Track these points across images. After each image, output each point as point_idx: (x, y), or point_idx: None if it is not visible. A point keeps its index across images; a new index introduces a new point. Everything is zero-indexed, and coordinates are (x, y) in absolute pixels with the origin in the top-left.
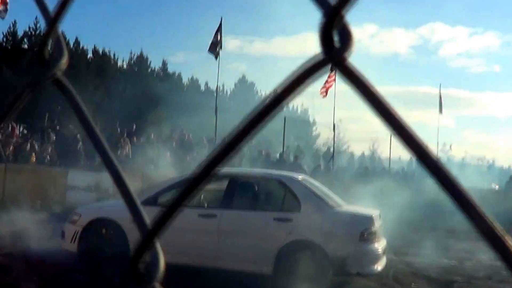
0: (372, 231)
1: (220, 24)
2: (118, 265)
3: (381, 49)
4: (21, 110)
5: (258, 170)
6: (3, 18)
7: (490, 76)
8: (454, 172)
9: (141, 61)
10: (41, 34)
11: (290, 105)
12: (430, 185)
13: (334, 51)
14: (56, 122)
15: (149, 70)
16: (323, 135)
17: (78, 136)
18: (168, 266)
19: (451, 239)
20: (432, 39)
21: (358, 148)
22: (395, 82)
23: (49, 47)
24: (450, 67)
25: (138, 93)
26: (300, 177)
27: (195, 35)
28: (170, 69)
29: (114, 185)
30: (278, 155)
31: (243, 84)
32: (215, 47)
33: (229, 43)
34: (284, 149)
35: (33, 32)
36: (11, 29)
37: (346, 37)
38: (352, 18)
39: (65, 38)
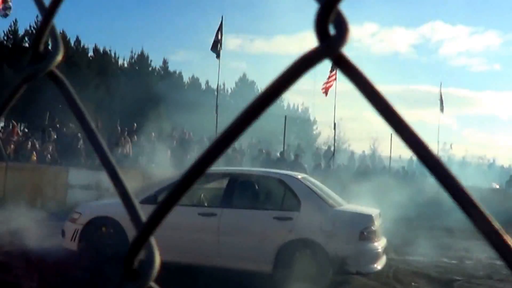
0: (372, 230)
1: (221, 23)
2: (118, 263)
3: (382, 48)
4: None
5: (258, 169)
6: (4, 16)
7: (490, 75)
8: (455, 171)
9: (142, 59)
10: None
11: (291, 104)
12: (431, 184)
13: (330, 42)
14: (56, 121)
15: (150, 68)
16: (323, 134)
17: (79, 134)
18: (168, 264)
19: (451, 238)
20: (433, 38)
21: (359, 147)
22: (395, 81)
23: (44, 42)
24: (450, 66)
25: (139, 92)
26: (300, 176)
27: (196, 34)
28: (171, 68)
29: (109, 181)
30: (278, 154)
31: (244, 83)
32: (216, 46)
33: (230, 42)
34: (285, 148)
35: (34, 31)
36: (12, 28)
37: (341, 29)
38: (353, 17)
39: (66, 36)
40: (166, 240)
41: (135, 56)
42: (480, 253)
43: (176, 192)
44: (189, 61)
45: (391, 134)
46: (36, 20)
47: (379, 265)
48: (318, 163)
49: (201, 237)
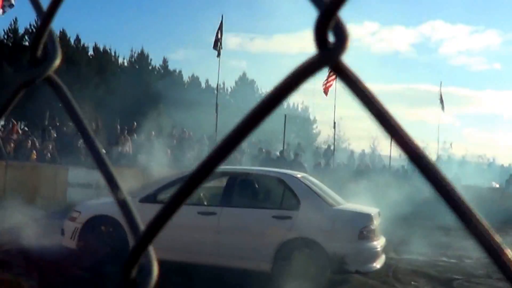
0: (371, 229)
1: (221, 22)
2: (117, 261)
3: (382, 47)
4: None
5: (258, 168)
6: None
7: (490, 74)
8: (454, 169)
9: (141, 58)
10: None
11: (291, 103)
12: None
13: (329, 50)
14: (56, 120)
15: (150, 67)
16: (323, 133)
17: (79, 133)
18: (167, 263)
19: (450, 237)
20: (433, 37)
21: (359, 145)
22: (395, 80)
23: (42, 46)
24: (450, 65)
25: (139, 91)
26: (299, 175)
27: (196, 32)
28: (171, 67)
29: (107, 185)
30: (278, 153)
31: (244, 82)
32: (216, 45)
33: (230, 41)
34: (285, 147)
35: (34, 30)
36: (12, 26)
37: (341, 36)
38: (353, 15)
39: (66, 35)
40: (165, 239)
41: (135, 55)
42: (480, 252)
43: (176, 198)
44: (189, 60)
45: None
46: (36, 19)
47: (378, 264)
48: (318, 162)
49: (201, 236)
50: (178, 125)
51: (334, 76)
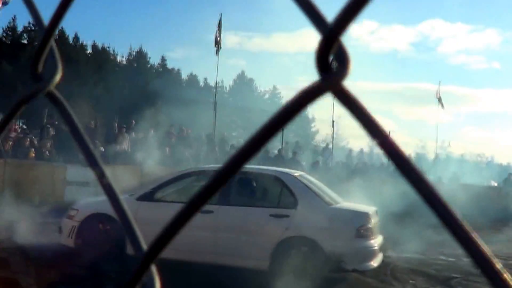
0: (368, 228)
1: (220, 21)
2: (114, 259)
3: (381, 45)
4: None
5: (255, 167)
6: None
7: (490, 73)
8: (453, 168)
9: (140, 56)
10: (34, 49)
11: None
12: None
13: (331, 76)
14: (55, 118)
15: (148, 66)
16: (322, 132)
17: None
18: (163, 261)
19: (448, 235)
20: (432, 36)
21: (357, 144)
22: (394, 79)
23: (42, 62)
24: (449, 64)
25: (137, 89)
26: (297, 173)
27: (195, 31)
28: (169, 65)
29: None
30: (276, 151)
31: (242, 80)
32: (216, 43)
33: (229, 39)
34: (283, 145)
35: (32, 28)
36: (11, 24)
37: (343, 62)
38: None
39: (64, 33)
40: None
41: (134, 53)
42: None
43: (179, 219)
44: (187, 59)
45: (389, 132)
46: (33, 26)
47: (375, 263)
48: (316, 161)
49: (198, 234)
50: (176, 123)
51: None
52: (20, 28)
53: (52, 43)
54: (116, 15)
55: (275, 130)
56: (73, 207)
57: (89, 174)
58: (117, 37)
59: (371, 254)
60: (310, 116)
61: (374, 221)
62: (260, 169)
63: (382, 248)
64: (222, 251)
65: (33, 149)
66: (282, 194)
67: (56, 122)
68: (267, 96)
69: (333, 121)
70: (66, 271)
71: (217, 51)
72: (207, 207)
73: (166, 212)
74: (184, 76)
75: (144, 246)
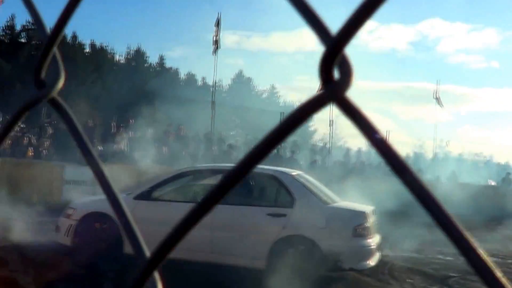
0: (365, 227)
1: (218, 20)
2: (111, 258)
3: (380, 45)
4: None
5: None
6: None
7: (489, 73)
8: (451, 167)
9: (138, 56)
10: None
11: (287, 100)
12: (426, 181)
13: (334, 87)
14: (53, 117)
15: (146, 65)
16: (319, 131)
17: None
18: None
19: (444, 235)
20: (431, 35)
21: (355, 143)
22: (393, 78)
23: (45, 68)
24: (448, 63)
25: (135, 88)
26: (294, 172)
27: (193, 30)
28: (167, 64)
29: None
30: (274, 150)
31: (240, 79)
32: (215, 43)
33: (227, 38)
34: (281, 145)
35: (31, 27)
36: (9, 23)
37: (346, 73)
38: (350, 13)
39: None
40: (159, 236)
41: (132, 52)
42: None
43: (181, 227)
44: (185, 58)
45: (387, 131)
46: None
47: (372, 262)
48: (314, 160)
49: (194, 233)
50: (174, 122)
51: None
52: (18, 27)
53: (55, 50)
54: (114, 14)
55: (280, 139)
56: (70, 206)
57: (87, 173)
58: (115, 36)
59: (368, 253)
60: None
61: (371, 220)
62: (257, 168)
63: (380, 247)
64: (219, 250)
65: (31, 148)
66: (279, 193)
67: (54, 122)
68: (265, 95)
69: (331, 121)
70: (63, 269)
71: (216, 51)
72: None
73: (163, 211)
74: (182, 75)
75: (147, 251)
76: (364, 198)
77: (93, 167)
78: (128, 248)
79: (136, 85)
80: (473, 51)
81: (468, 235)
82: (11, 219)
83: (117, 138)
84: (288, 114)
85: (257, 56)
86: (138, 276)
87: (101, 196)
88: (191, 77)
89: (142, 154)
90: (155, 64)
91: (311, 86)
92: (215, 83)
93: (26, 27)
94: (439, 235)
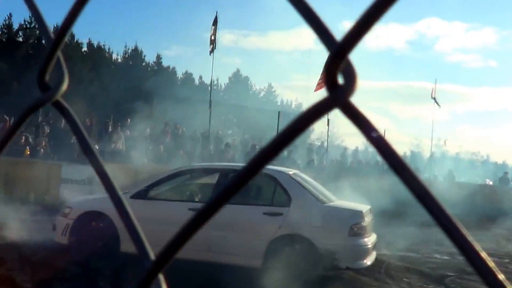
0: (362, 226)
1: (216, 19)
2: (108, 257)
3: (377, 44)
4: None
5: None
6: None
7: (486, 72)
8: (448, 166)
9: (135, 54)
10: (42, 59)
11: (284, 99)
12: (424, 180)
13: (338, 92)
14: (50, 116)
15: (144, 63)
16: (317, 130)
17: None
18: None
19: (443, 234)
20: (428, 34)
21: (352, 142)
22: (390, 77)
23: (49, 72)
24: (446, 62)
25: (132, 87)
26: (291, 171)
27: (190, 29)
28: (165, 63)
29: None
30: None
31: (237, 78)
32: (212, 42)
33: (224, 38)
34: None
35: (28, 25)
36: (6, 22)
37: (350, 78)
38: (348, 12)
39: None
40: (156, 235)
41: (129, 51)
42: None
43: (186, 231)
44: (182, 57)
45: (384, 130)
46: (30, 15)
47: (369, 261)
48: (311, 159)
49: None
50: (171, 121)
51: None
52: (16, 26)
53: (59, 53)
54: (112, 13)
55: (286, 143)
56: (67, 205)
57: (84, 172)
58: (113, 35)
59: (364, 252)
60: None
61: (368, 219)
62: None
63: (376, 246)
64: (216, 249)
65: (28, 147)
66: (275, 192)
67: (51, 121)
68: (262, 94)
69: (328, 120)
70: (60, 268)
71: (213, 50)
72: (200, 205)
73: (160, 210)
74: (179, 74)
75: (151, 252)
76: (361, 197)
77: (97, 168)
78: (124, 247)
79: (133, 84)
80: (471, 50)
81: (465, 232)
82: (8, 217)
83: (114, 137)
84: (293, 118)
85: (254, 55)
86: (143, 278)
87: (98, 195)
88: (188, 76)
89: (139, 153)
90: (152, 63)
91: (308, 84)
92: (212, 82)
93: (23, 26)
94: (435, 235)
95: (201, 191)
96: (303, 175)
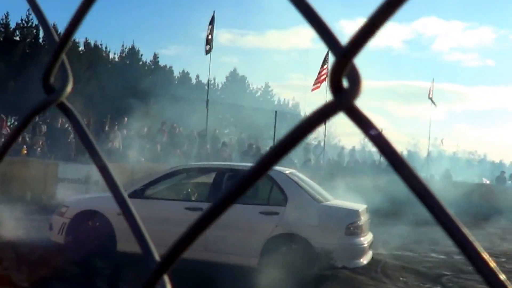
0: (358, 225)
1: (213, 18)
2: (104, 256)
3: (375, 43)
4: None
5: (245, 164)
6: None
7: (483, 71)
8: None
9: (132, 53)
10: (47, 62)
11: (281, 99)
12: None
13: (343, 96)
14: (47, 115)
15: (141, 63)
16: None
17: (70, 128)
18: None
19: (440, 233)
20: (426, 33)
21: (349, 142)
22: (388, 76)
23: (54, 74)
24: (443, 62)
25: (129, 86)
26: (287, 171)
27: (187, 28)
28: (161, 62)
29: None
30: (268, 149)
31: (234, 78)
32: (208, 42)
33: (221, 37)
34: (275, 143)
35: (25, 24)
36: (4, 21)
37: (355, 82)
38: (346, 11)
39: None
40: (152, 234)
41: (126, 50)
42: None
43: (192, 232)
44: (180, 56)
45: (381, 129)
46: (27, 14)
47: (365, 260)
48: (308, 158)
49: None
50: (168, 120)
51: (324, 77)
52: (13, 25)
53: (63, 56)
54: (109, 12)
55: (291, 147)
56: (64, 204)
57: (81, 171)
58: (110, 34)
59: (360, 251)
60: (302, 113)
61: (364, 219)
62: (250, 166)
63: (373, 245)
64: (212, 248)
65: (25, 146)
66: (272, 191)
67: (48, 120)
68: (259, 93)
69: None
70: (56, 267)
71: (209, 50)
72: (196, 204)
73: (156, 210)
74: (176, 73)
75: (155, 252)
76: (357, 196)
77: (101, 170)
78: (121, 246)
79: (130, 83)
80: (469, 50)
81: (464, 228)
82: (5, 217)
83: (110, 136)
84: (299, 122)
85: (252, 54)
86: (148, 279)
87: (94, 194)
88: (185, 75)
89: (135, 152)
90: (149, 62)
91: (306, 84)
92: (209, 81)
93: (20, 25)
94: (431, 234)
95: (198, 190)
96: (300, 175)
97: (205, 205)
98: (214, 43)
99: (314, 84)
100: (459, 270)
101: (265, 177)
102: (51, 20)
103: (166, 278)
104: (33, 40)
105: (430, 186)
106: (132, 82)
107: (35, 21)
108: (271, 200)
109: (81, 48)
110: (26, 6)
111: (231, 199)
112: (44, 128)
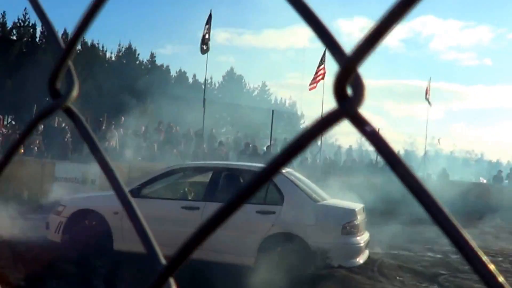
0: (354, 224)
1: (210, 17)
2: (101, 255)
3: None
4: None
5: (241, 163)
6: None
7: (481, 70)
8: (442, 165)
9: (129, 53)
10: (53, 67)
11: (278, 98)
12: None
13: (347, 104)
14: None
15: (137, 62)
16: None
17: (66, 128)
18: None
19: (436, 232)
20: (423, 32)
21: (346, 141)
22: (385, 75)
23: (60, 79)
24: (440, 61)
25: (126, 85)
26: (284, 170)
27: (184, 28)
28: (158, 61)
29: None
30: (265, 148)
31: (231, 77)
32: (204, 41)
33: (218, 36)
34: (272, 142)
35: (22, 23)
36: (0, 20)
37: (358, 89)
38: (343, 11)
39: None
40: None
41: (123, 50)
42: None
43: (195, 239)
44: (176, 55)
45: (378, 128)
46: (24, 13)
47: (361, 259)
48: (305, 158)
49: (184, 230)
50: (165, 120)
51: (322, 71)
52: (9, 24)
53: (69, 62)
54: (106, 11)
55: (295, 154)
56: (60, 203)
57: (78, 170)
58: (106, 33)
59: (357, 250)
60: (299, 112)
61: (360, 218)
62: (247, 165)
63: (369, 244)
64: (208, 247)
65: (21, 145)
66: (268, 190)
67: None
68: (256, 92)
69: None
70: (53, 266)
71: (206, 50)
72: (193, 203)
73: (153, 209)
74: (173, 72)
75: (160, 254)
76: (354, 195)
77: (107, 172)
78: (117, 245)
79: (127, 82)
80: (466, 49)
81: (459, 225)
82: (1, 215)
83: (107, 135)
84: (303, 129)
85: (249, 54)
86: (154, 281)
87: (91, 193)
88: (182, 75)
89: (132, 151)
90: (146, 62)
91: (302, 83)
92: (206, 80)
93: (17, 24)
94: (428, 233)
95: (195, 189)
96: (296, 174)
97: (202, 204)
98: (211, 42)
99: (310, 84)
100: (455, 269)
101: None
102: (51, 19)
103: (172, 281)
104: (29, 40)
105: (427, 185)
106: (129, 82)
107: (32, 20)
108: (268, 199)
109: (78, 47)
110: (23, 5)
111: (237, 203)
112: (41, 127)
